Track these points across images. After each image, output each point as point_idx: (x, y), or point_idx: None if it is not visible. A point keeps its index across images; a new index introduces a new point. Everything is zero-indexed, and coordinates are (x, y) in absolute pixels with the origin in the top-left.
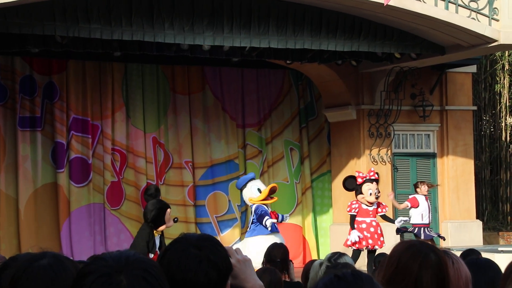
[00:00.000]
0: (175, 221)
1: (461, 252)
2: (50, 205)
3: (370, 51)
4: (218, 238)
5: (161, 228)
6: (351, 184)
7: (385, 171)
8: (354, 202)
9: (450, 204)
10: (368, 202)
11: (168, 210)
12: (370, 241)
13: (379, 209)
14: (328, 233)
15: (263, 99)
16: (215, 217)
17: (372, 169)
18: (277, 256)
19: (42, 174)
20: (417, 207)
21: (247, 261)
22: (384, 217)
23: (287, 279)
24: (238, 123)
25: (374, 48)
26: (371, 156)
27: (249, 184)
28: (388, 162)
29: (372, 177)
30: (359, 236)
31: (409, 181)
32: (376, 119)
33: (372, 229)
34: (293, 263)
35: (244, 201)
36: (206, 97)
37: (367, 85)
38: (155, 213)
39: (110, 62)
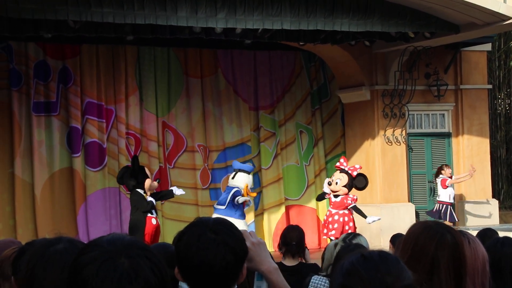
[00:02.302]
0: (157, 183)
1: (477, 231)
2: (66, 190)
3: (384, 31)
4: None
5: (146, 183)
6: (360, 182)
7: (400, 152)
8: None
9: (466, 183)
10: (332, 191)
11: (146, 169)
12: (332, 232)
13: (346, 201)
14: None
15: (276, 82)
16: None
17: (357, 166)
18: (292, 239)
19: (58, 159)
20: (445, 188)
21: (261, 244)
22: (355, 209)
23: (303, 261)
24: (250, 106)
25: (388, 28)
26: (386, 137)
27: (248, 175)
28: (403, 142)
29: (342, 166)
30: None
31: (424, 161)
32: (390, 99)
33: (341, 219)
34: (308, 250)
35: (259, 184)
36: (218, 80)
37: (380, 65)
38: (129, 170)
39: (123, 45)
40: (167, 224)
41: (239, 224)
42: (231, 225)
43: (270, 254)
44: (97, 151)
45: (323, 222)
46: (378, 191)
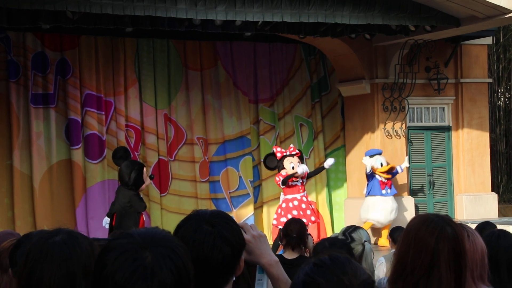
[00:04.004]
0: (151, 178)
1: (476, 224)
2: (65, 182)
3: (384, 24)
4: (232, 214)
5: (142, 188)
6: (272, 162)
7: (400, 145)
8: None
9: (465, 177)
10: (294, 177)
11: (144, 169)
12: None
13: (305, 179)
14: (343, 207)
15: (275, 74)
16: (229, 192)
17: (292, 145)
18: (293, 231)
19: (56, 151)
20: None
21: (262, 237)
22: (314, 173)
23: (306, 254)
24: (250, 99)
25: (388, 21)
26: (386, 130)
27: (376, 157)
28: (403, 136)
29: (292, 152)
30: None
31: (424, 155)
32: (391, 92)
33: (303, 205)
34: (312, 236)
35: (259, 177)
36: (218, 73)
37: (381, 58)
38: (135, 174)
39: (122, 37)
40: (167, 217)
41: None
42: (228, 217)
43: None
44: (96, 143)
45: (302, 212)
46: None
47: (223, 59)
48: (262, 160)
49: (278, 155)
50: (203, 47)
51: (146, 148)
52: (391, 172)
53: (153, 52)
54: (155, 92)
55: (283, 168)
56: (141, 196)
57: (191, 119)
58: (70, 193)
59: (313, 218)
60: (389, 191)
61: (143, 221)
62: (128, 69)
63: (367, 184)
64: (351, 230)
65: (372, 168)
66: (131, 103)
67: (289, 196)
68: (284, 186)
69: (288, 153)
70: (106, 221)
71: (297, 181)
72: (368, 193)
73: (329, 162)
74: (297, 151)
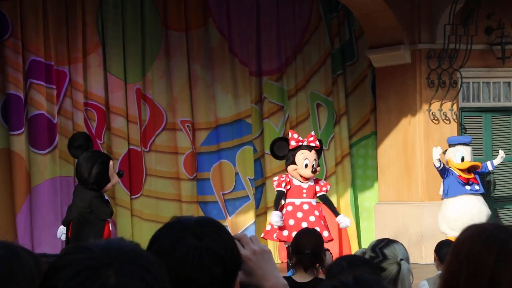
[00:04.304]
0: (120, 176)
1: None
2: (1, 179)
3: None
4: (226, 223)
5: (107, 187)
6: (282, 150)
7: (450, 132)
8: (284, 175)
9: None
10: (302, 176)
11: (111, 162)
12: (294, 234)
13: (317, 188)
14: (373, 214)
15: (285, 38)
16: (222, 194)
17: (313, 133)
18: (306, 246)
19: None
20: None
21: (265, 253)
22: (324, 199)
23: (321, 275)
24: (251, 70)
25: None
26: (431, 113)
27: (458, 147)
28: (454, 120)
29: (311, 144)
30: (280, 219)
31: (482, 144)
32: (438, 62)
33: (300, 215)
34: (331, 253)
35: (262, 174)
36: (209, 34)
37: (425, 16)
38: (98, 169)
39: None
40: (140, 226)
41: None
42: (220, 226)
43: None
44: (45, 128)
45: (294, 222)
46: (420, 185)
47: (216, 16)
48: (267, 150)
49: (293, 143)
50: (190, 0)
51: (112, 135)
52: (475, 171)
53: (122, 6)
54: (124, 60)
55: (294, 162)
56: (106, 198)
57: (173, 97)
58: (8, 193)
59: (325, 234)
60: (476, 187)
61: (109, 232)
62: (88, 29)
63: (442, 182)
64: (383, 244)
65: (448, 161)
66: (92, 74)
67: (287, 200)
68: (275, 208)
69: (305, 143)
70: (61, 231)
71: (306, 182)
72: (446, 195)
73: (345, 221)
74: (317, 143)
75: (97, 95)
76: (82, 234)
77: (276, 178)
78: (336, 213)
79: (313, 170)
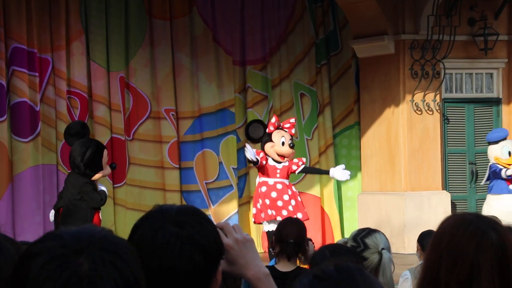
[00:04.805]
0: (113, 168)
1: None
2: None
3: None
4: (209, 212)
5: (97, 176)
6: (257, 132)
7: (433, 123)
8: (261, 152)
9: None
10: (279, 155)
11: (105, 152)
12: (270, 212)
13: (294, 167)
14: (356, 204)
15: (269, 27)
16: (205, 183)
17: (292, 120)
18: (289, 235)
19: None
20: None
21: (248, 242)
22: (306, 170)
23: (304, 265)
24: (235, 59)
25: None
26: (414, 103)
27: (502, 143)
28: (437, 110)
29: (286, 128)
30: (254, 158)
31: (464, 135)
32: (421, 53)
33: (274, 194)
34: (313, 243)
35: (245, 163)
36: (193, 23)
37: (409, 7)
38: (91, 153)
39: None
40: (122, 215)
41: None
42: (201, 215)
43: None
44: (27, 115)
45: (269, 202)
46: (402, 175)
47: (200, 5)
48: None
49: (271, 128)
50: None
51: (94, 123)
52: None
53: None
54: (107, 48)
55: (271, 140)
56: (103, 189)
57: (157, 85)
58: None
59: (300, 215)
60: None
61: (99, 221)
62: (72, 16)
63: (488, 176)
64: (364, 234)
65: (496, 159)
66: (75, 62)
67: (260, 180)
68: (256, 164)
69: (281, 126)
70: (53, 214)
71: (281, 162)
72: (491, 190)
73: (341, 175)
74: (292, 131)
75: (80, 83)
76: (70, 221)
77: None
78: (324, 172)
79: (291, 145)
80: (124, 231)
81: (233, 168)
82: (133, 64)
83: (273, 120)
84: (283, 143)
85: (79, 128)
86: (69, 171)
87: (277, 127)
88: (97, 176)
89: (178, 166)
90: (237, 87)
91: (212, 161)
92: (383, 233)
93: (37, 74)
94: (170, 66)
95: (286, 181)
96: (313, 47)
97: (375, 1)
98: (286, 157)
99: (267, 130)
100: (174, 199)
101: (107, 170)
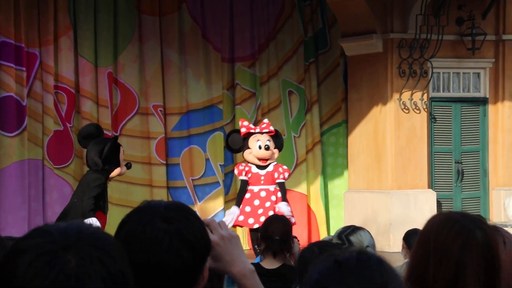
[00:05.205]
0: (128, 167)
1: None
2: None
3: None
4: (195, 208)
5: (115, 172)
6: (237, 143)
7: (420, 122)
8: (243, 164)
9: (504, 165)
10: (259, 159)
11: (121, 149)
12: (250, 220)
13: (276, 174)
14: (342, 202)
15: (258, 25)
16: (192, 180)
17: (266, 120)
18: (275, 233)
19: None
20: None
21: (234, 239)
22: (280, 186)
23: (289, 262)
24: (224, 56)
25: None
26: (401, 102)
27: None
28: (424, 109)
29: (264, 130)
30: (232, 221)
31: (451, 134)
32: (409, 52)
33: (257, 202)
34: (298, 240)
35: (232, 160)
36: (182, 19)
37: (398, 6)
38: (109, 149)
39: None
40: (110, 211)
41: None
42: (189, 211)
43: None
44: (13, 110)
45: (250, 210)
46: (389, 174)
47: (189, 2)
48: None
49: (243, 130)
50: None
51: (81, 118)
52: None
53: None
54: (95, 43)
55: (248, 147)
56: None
57: (146, 81)
58: None
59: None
60: None
61: (104, 222)
62: (60, 11)
63: None
64: (349, 231)
65: None
66: (63, 57)
67: (248, 187)
68: (237, 203)
69: (257, 130)
70: None
71: (264, 168)
72: None
73: (283, 208)
74: (271, 128)
75: (68, 78)
76: (69, 216)
77: (236, 168)
78: (283, 199)
79: (266, 147)
80: (111, 226)
81: (220, 164)
82: (122, 60)
83: (242, 123)
84: (259, 147)
85: (93, 130)
86: (87, 172)
87: (249, 131)
88: (115, 172)
89: (165, 162)
90: (225, 84)
91: (199, 158)
92: (367, 231)
93: (24, 68)
94: (159, 62)
95: (272, 187)
96: (301, 45)
97: (364, 0)
98: (267, 159)
99: (241, 134)
100: (161, 195)
101: (123, 168)
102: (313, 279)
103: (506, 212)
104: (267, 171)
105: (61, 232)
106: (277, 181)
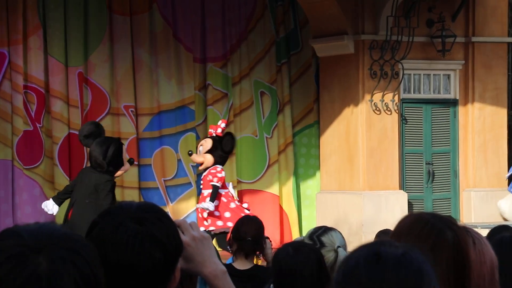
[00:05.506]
0: (131, 163)
1: (489, 229)
2: None
3: None
4: (167, 209)
5: (119, 172)
6: (230, 144)
7: (391, 123)
8: (219, 168)
9: (474, 167)
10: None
11: (124, 148)
12: (206, 222)
13: (209, 176)
14: (314, 203)
15: (230, 25)
16: (163, 180)
17: (221, 121)
18: (247, 233)
19: None
20: None
21: (205, 240)
22: (214, 189)
23: (261, 263)
24: (196, 56)
25: None
26: (373, 103)
27: None
28: (395, 111)
29: (218, 130)
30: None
31: (422, 135)
32: (380, 53)
33: (224, 199)
34: (270, 241)
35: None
36: (153, 19)
37: (369, 7)
38: (113, 150)
39: None
40: None
41: None
42: (161, 212)
43: (217, 253)
44: None
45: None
46: (361, 175)
47: (160, 2)
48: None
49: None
50: None
51: (52, 119)
52: None
53: None
54: (65, 43)
55: None
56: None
57: (117, 81)
58: None
59: (219, 223)
60: None
61: None
62: (29, 10)
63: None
64: (320, 232)
65: None
66: (32, 56)
67: (223, 191)
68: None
69: (214, 133)
70: (47, 205)
71: (203, 171)
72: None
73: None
74: (219, 130)
75: (37, 78)
76: (84, 220)
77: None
78: (212, 198)
79: (189, 153)
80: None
81: (192, 165)
82: (93, 60)
83: (211, 130)
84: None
85: (94, 128)
86: (83, 168)
87: (211, 134)
88: (119, 173)
89: (136, 163)
90: (197, 84)
91: (171, 159)
92: (339, 231)
93: None
94: (130, 62)
95: (205, 192)
96: (273, 46)
97: (335, 1)
98: (197, 162)
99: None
100: (133, 196)
101: (127, 165)
102: (349, 265)
103: (501, 211)
104: (203, 175)
105: (32, 234)
106: (211, 183)
